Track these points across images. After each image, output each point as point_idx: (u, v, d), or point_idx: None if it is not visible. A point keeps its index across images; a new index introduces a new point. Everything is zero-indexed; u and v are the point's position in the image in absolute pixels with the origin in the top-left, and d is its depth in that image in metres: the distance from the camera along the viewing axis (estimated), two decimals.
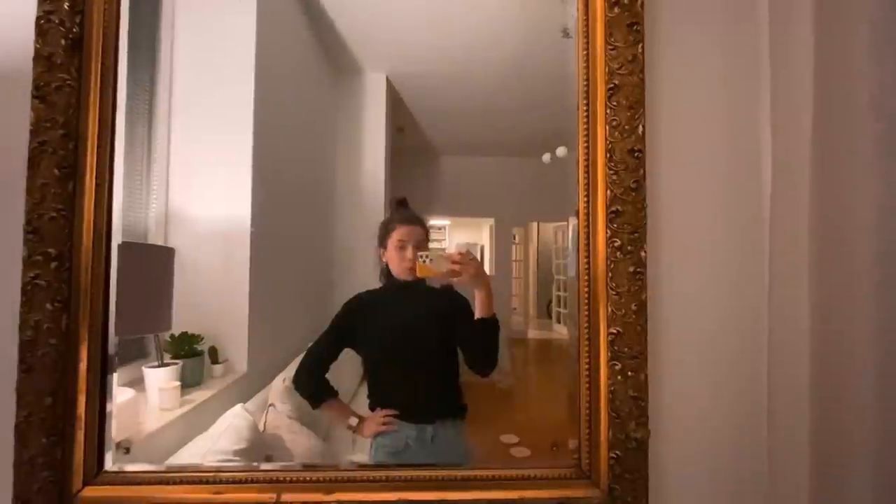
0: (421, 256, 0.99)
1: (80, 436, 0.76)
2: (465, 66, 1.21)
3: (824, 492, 0.76)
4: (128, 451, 0.84)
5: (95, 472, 0.78)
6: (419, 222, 1.06)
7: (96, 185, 0.78)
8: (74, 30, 0.77)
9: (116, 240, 0.81)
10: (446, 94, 1.27)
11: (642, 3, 0.82)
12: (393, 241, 1.05)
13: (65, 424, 0.76)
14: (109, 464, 0.79)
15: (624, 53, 0.82)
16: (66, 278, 0.76)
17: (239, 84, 1.06)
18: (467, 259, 0.98)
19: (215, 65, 1.07)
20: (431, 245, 1.07)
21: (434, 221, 1.10)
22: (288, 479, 0.80)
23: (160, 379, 0.98)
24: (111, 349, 0.81)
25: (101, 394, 0.79)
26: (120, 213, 0.81)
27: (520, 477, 0.83)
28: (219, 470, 0.81)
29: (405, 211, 1.08)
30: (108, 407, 0.80)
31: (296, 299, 1.17)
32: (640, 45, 0.82)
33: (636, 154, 0.82)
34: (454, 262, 0.98)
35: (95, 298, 0.78)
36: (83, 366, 0.77)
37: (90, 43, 0.78)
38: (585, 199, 0.84)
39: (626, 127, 0.82)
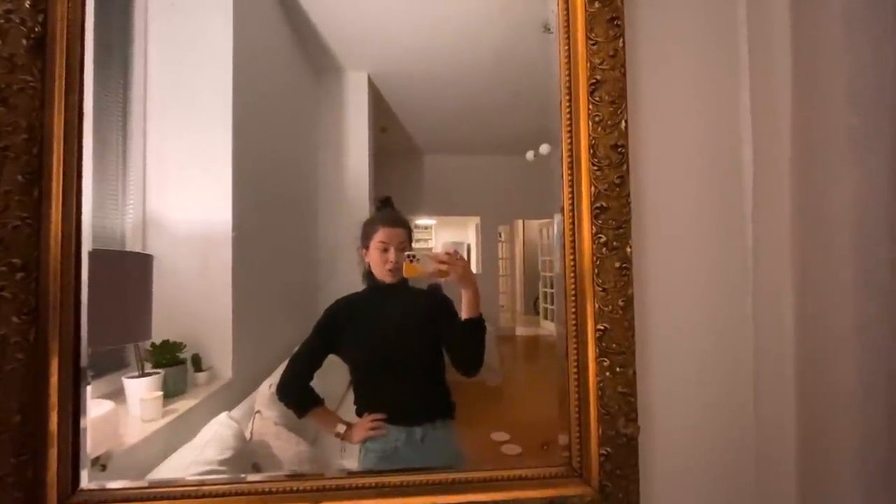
0: (408, 256, 0.98)
1: (53, 453, 0.73)
2: (448, 64, 1.20)
3: (812, 483, 0.77)
4: (104, 468, 0.81)
5: (70, 490, 0.75)
6: (402, 224, 1.05)
7: (63, 190, 0.74)
8: (37, 29, 0.73)
9: (87, 247, 0.77)
10: (429, 92, 1.26)
11: None
12: (375, 242, 1.03)
13: (36, 442, 0.72)
14: (85, 481, 0.76)
15: (605, 48, 0.82)
16: (33, 289, 0.72)
17: (217, 85, 1.04)
18: (454, 258, 0.98)
19: (192, 66, 1.05)
20: (417, 245, 1.06)
21: (420, 221, 1.09)
22: (273, 489, 0.78)
23: (141, 389, 0.95)
24: (85, 361, 0.77)
25: (74, 409, 0.75)
26: (89, 219, 0.78)
27: (511, 477, 0.82)
28: (201, 483, 0.78)
29: (389, 212, 1.07)
30: (82, 422, 0.76)
31: (280, 302, 1.15)
32: (620, 40, 0.82)
33: (619, 149, 0.82)
34: (441, 262, 0.98)
35: (66, 309, 0.75)
36: (54, 380, 0.73)
37: (54, 43, 0.74)
38: (570, 195, 0.84)
39: (609, 122, 0.82)
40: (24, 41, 0.72)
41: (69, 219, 0.75)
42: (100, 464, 0.80)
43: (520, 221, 1.39)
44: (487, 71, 1.20)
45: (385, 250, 1.02)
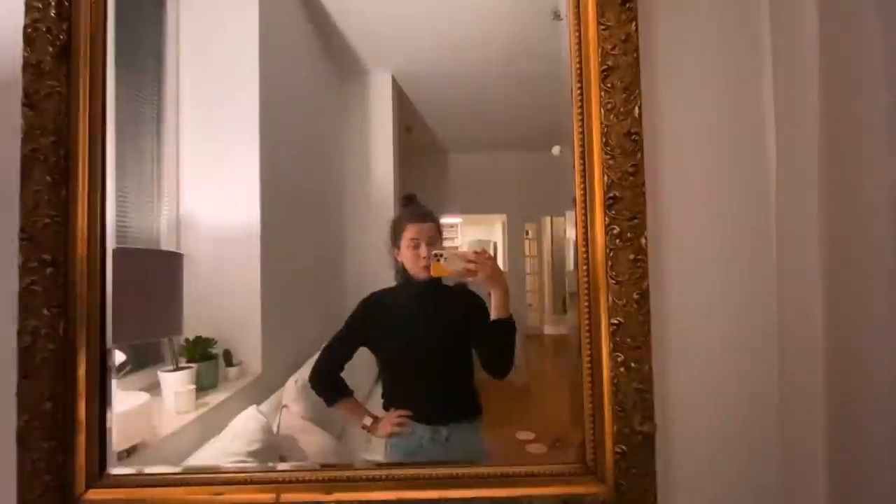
0: (436, 255, 0.97)
1: (82, 440, 0.77)
2: (470, 61, 1.20)
3: (841, 484, 0.72)
4: (129, 454, 0.84)
5: (98, 475, 0.79)
6: (430, 218, 1.04)
7: (88, 190, 0.78)
8: (62, 37, 0.77)
9: (112, 245, 0.82)
10: (452, 91, 1.26)
11: None
12: (405, 239, 1.03)
13: (66, 429, 0.76)
14: (112, 467, 0.80)
15: (617, 33, 0.79)
16: (62, 284, 0.77)
17: (244, 89, 1.07)
18: (483, 258, 0.97)
19: (221, 70, 1.08)
20: (444, 243, 1.06)
21: (446, 219, 1.08)
22: (287, 479, 0.80)
23: (175, 383, 0.99)
24: (116, 354, 0.81)
25: (101, 398, 0.79)
26: (113, 218, 0.82)
27: (523, 474, 0.81)
28: (218, 471, 0.81)
29: (414, 207, 1.07)
30: (109, 411, 0.80)
31: (308, 300, 1.17)
32: (633, 24, 0.79)
33: (633, 137, 0.79)
34: (469, 261, 0.96)
35: (93, 304, 0.79)
36: (82, 370, 0.77)
37: (78, 49, 0.79)
38: (582, 185, 0.82)
39: (622, 109, 0.79)
40: (51, 48, 0.77)
41: (94, 217, 0.79)
42: (124, 451, 0.84)
43: (547, 218, 1.35)
44: (509, 66, 1.18)
45: (416, 247, 1.02)
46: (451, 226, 1.15)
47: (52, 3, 0.76)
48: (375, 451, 1.01)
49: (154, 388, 0.98)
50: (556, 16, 0.86)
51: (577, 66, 0.82)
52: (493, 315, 0.97)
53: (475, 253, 0.97)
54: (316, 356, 1.04)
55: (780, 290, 0.85)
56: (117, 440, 0.82)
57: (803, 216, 0.77)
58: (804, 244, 0.77)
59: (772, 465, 0.85)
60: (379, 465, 0.84)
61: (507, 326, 0.98)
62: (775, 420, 0.85)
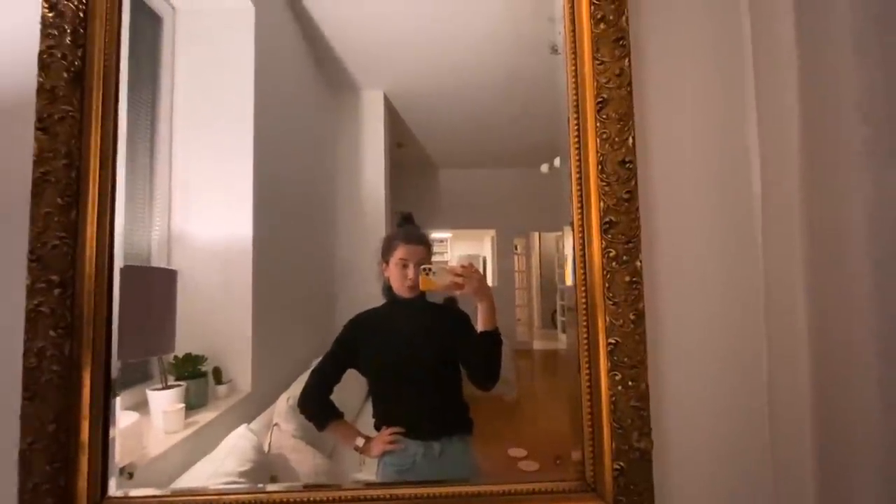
0: (424, 269, 0.99)
1: (84, 462, 0.76)
2: (461, 81, 1.22)
3: (830, 498, 0.75)
4: (131, 476, 0.83)
5: (99, 498, 0.78)
6: (423, 241, 1.06)
7: (98, 211, 0.79)
8: (76, 63, 0.79)
9: (119, 265, 0.82)
10: (443, 109, 1.28)
11: (627, 19, 0.84)
12: (395, 258, 1.04)
13: (68, 451, 0.76)
14: (113, 489, 0.79)
15: (611, 68, 0.84)
16: (68, 305, 0.77)
17: (238, 106, 1.07)
18: (470, 271, 0.99)
19: (215, 87, 1.09)
20: (433, 258, 1.07)
21: (435, 234, 1.09)
22: (290, 500, 0.80)
23: (164, 401, 0.98)
24: (115, 374, 0.81)
25: (104, 419, 0.79)
26: (122, 239, 0.82)
27: (523, 492, 0.82)
28: (220, 493, 0.80)
29: (410, 228, 1.08)
30: (112, 432, 0.80)
31: (299, 317, 1.17)
32: (626, 59, 0.84)
33: (627, 165, 0.83)
34: (457, 275, 0.98)
35: (98, 324, 0.79)
36: (86, 391, 0.77)
37: (91, 75, 0.80)
38: (579, 210, 0.85)
39: (617, 139, 0.83)
40: (65, 74, 0.78)
41: (103, 238, 0.80)
42: (126, 472, 0.83)
43: (535, 234, 1.37)
44: (499, 88, 1.21)
45: (405, 266, 1.03)
46: (441, 241, 1.17)
47: (68, 31, 0.78)
48: (368, 468, 1.00)
49: (142, 406, 0.96)
50: (554, 50, 0.91)
51: (574, 97, 0.86)
52: (480, 327, 0.99)
53: (462, 267, 0.99)
54: (306, 375, 1.04)
55: (767, 309, 0.88)
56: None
57: (788, 239, 0.81)
58: (790, 265, 0.80)
59: (766, 481, 0.87)
60: (381, 486, 0.84)
61: (493, 338, 0.99)
62: (768, 435, 0.87)
